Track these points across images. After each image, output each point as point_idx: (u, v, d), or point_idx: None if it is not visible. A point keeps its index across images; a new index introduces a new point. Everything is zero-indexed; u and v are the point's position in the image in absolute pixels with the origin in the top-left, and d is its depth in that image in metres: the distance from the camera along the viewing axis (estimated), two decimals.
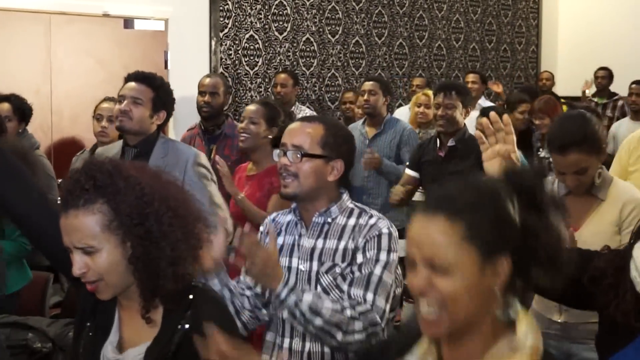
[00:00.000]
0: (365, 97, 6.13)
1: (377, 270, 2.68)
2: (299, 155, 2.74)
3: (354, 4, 9.05)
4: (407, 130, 6.02)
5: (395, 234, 2.75)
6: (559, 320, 3.20)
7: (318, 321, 2.57)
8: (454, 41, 10.35)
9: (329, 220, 2.80)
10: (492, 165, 2.28)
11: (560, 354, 3.21)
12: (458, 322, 1.59)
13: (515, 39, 11.29)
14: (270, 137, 4.49)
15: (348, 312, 2.60)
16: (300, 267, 2.78)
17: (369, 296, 2.64)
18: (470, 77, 8.48)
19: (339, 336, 2.58)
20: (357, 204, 2.86)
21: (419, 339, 1.72)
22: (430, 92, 6.94)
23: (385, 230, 2.73)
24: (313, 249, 2.78)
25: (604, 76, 9.92)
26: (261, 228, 2.96)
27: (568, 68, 11.42)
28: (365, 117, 6.23)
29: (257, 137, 4.48)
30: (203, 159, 3.97)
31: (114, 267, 2.03)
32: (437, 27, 10.10)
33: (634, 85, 8.19)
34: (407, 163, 5.35)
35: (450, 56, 10.32)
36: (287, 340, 2.79)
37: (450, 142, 4.92)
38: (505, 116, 2.32)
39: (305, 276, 2.76)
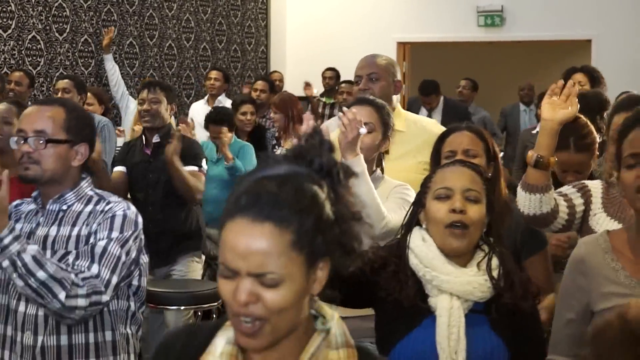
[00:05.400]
0: (59, 95, 6.31)
1: (102, 242, 2.72)
2: (41, 141, 2.75)
3: (81, 1, 9.24)
4: (101, 123, 6.28)
5: (132, 215, 2.81)
6: None
7: (41, 274, 2.55)
8: (184, 41, 10.89)
9: (64, 207, 2.82)
10: None
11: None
12: (280, 333, 1.59)
13: (245, 39, 12.06)
14: None
15: (72, 276, 2.62)
16: None
17: (94, 267, 2.68)
18: (214, 74, 8.99)
19: (62, 296, 2.58)
20: (97, 190, 2.91)
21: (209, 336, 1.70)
22: None
23: (119, 212, 2.78)
24: (46, 237, 2.78)
25: (331, 76, 10.77)
26: None
27: (296, 68, 12.37)
28: None
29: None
30: None
31: None
32: (168, 26, 10.56)
33: (343, 85, 9.10)
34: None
35: (182, 56, 10.83)
36: (18, 334, 2.77)
37: (155, 139, 5.14)
38: None
39: None
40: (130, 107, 8.68)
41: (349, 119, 3.02)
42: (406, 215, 2.70)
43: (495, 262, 2.51)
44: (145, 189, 5.09)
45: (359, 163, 3.05)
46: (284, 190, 1.57)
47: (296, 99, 7.63)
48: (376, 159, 3.47)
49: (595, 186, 3.18)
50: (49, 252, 2.75)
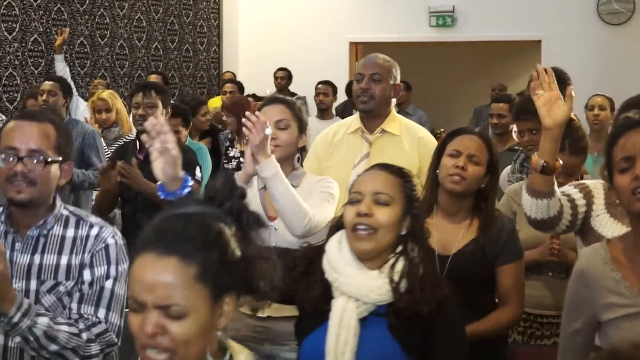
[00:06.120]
0: (44, 97, 6.27)
1: (108, 285, 2.66)
2: (36, 162, 2.62)
3: (31, 0, 9.20)
4: (90, 132, 6.19)
5: (121, 241, 2.74)
6: (263, 316, 3.35)
7: (53, 347, 2.51)
8: (136, 40, 10.86)
9: (45, 232, 2.70)
10: (157, 166, 2.52)
11: (260, 358, 3.58)
12: None
13: (197, 39, 12.06)
14: None
15: (84, 336, 2.57)
16: (15, 286, 2.60)
17: (101, 313, 2.63)
18: (153, 78, 8.91)
19: None
20: (70, 208, 2.81)
21: None
22: (105, 94, 7.14)
23: (111, 241, 2.71)
24: (30, 266, 2.67)
25: (283, 76, 10.84)
26: None
27: (249, 68, 12.41)
28: None
29: None
30: None
31: None
32: (119, 25, 10.54)
33: (320, 85, 9.14)
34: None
35: (133, 56, 10.82)
36: None
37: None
38: (162, 119, 2.59)
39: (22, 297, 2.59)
40: (80, 108, 8.61)
41: (253, 123, 3.02)
42: (335, 220, 2.74)
43: (400, 265, 2.51)
44: (135, 194, 4.93)
45: (271, 165, 3.08)
46: (189, 226, 1.67)
47: (248, 101, 7.67)
48: (295, 155, 3.53)
49: (596, 186, 3.19)
50: (34, 283, 2.67)
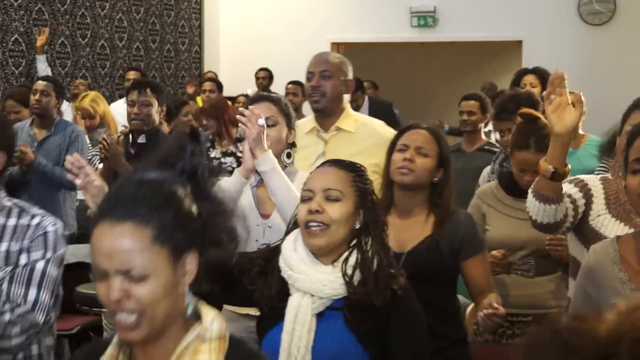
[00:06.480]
0: (37, 97, 6.27)
1: (40, 266, 2.71)
2: None
3: (12, 0, 9.18)
4: (75, 132, 6.25)
5: (62, 230, 2.83)
6: (256, 314, 3.56)
7: None
8: (117, 40, 10.86)
9: None
10: (88, 200, 2.54)
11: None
12: (157, 324, 1.71)
13: (178, 39, 12.07)
14: None
15: (7, 317, 2.61)
16: None
17: (31, 293, 2.67)
18: (132, 74, 8.96)
19: None
20: (14, 200, 2.85)
21: (106, 346, 1.82)
22: (86, 103, 7.20)
23: (50, 228, 2.76)
24: None
25: (265, 77, 10.88)
26: None
27: (230, 68, 12.43)
28: (33, 118, 6.40)
29: None
30: None
31: None
32: (100, 25, 10.53)
33: (290, 85, 9.22)
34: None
35: (114, 56, 10.81)
36: None
37: (141, 139, 5.13)
38: (78, 155, 2.62)
39: None
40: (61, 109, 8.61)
41: (247, 116, 3.06)
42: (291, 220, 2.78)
43: (353, 259, 2.53)
44: None
45: (268, 159, 3.12)
46: (141, 191, 1.72)
47: (226, 103, 7.68)
48: (286, 152, 3.52)
49: (594, 183, 3.17)
50: None
